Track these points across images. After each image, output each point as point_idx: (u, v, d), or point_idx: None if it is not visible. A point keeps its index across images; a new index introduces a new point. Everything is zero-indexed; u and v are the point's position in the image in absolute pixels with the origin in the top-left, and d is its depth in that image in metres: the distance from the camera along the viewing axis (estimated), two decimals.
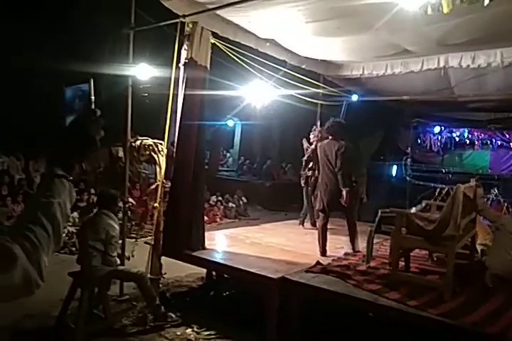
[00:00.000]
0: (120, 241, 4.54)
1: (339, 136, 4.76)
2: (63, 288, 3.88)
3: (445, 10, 2.94)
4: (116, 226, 3.84)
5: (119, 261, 4.09)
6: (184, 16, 4.23)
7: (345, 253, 4.68)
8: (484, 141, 9.34)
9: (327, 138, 4.93)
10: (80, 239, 4.22)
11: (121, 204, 4.95)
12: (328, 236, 5.03)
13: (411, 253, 4.19)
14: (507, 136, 8.59)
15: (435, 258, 4.51)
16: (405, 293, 3.45)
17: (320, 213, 4.90)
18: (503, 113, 8.30)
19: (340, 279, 3.71)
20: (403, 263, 4.04)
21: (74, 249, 6.09)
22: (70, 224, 6.72)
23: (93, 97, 1.05)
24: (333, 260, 4.38)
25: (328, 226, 6.10)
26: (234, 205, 10.54)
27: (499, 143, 9.05)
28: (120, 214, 5.12)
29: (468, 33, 4.52)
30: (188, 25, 4.33)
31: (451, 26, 4.30)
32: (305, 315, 3.69)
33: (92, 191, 8.18)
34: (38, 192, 1.01)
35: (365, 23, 4.43)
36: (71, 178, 1.02)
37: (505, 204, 6.75)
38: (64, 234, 6.44)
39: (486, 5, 2.83)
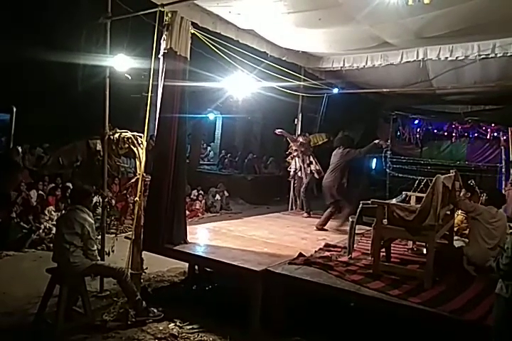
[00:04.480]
0: (100, 237, 4.45)
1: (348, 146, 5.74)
2: (41, 285, 3.79)
3: (426, 0, 2.95)
4: (91, 220, 3.75)
5: (98, 257, 4.01)
6: (163, 5, 4.12)
7: (326, 245, 4.71)
8: (461, 133, 9.52)
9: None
10: (55, 235, 4.11)
11: (100, 198, 4.85)
12: (309, 229, 5.14)
13: (392, 244, 4.25)
14: (483, 128, 8.77)
15: (415, 248, 4.60)
16: (387, 282, 3.50)
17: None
18: (480, 105, 8.46)
19: (322, 270, 3.73)
20: (384, 254, 4.09)
21: (51, 245, 5.93)
22: (47, 219, 6.55)
23: (13, 131, 0.96)
24: (315, 251, 4.40)
25: (309, 219, 6.38)
26: (216, 199, 10.48)
27: (476, 135, 9.24)
28: (99, 209, 5.02)
29: (447, 26, 4.56)
30: (167, 15, 4.23)
31: (431, 18, 4.33)
32: (288, 306, 3.70)
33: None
34: None
35: (347, 14, 4.41)
36: None
37: (482, 195, 6.90)
38: (41, 230, 6.31)
39: None
